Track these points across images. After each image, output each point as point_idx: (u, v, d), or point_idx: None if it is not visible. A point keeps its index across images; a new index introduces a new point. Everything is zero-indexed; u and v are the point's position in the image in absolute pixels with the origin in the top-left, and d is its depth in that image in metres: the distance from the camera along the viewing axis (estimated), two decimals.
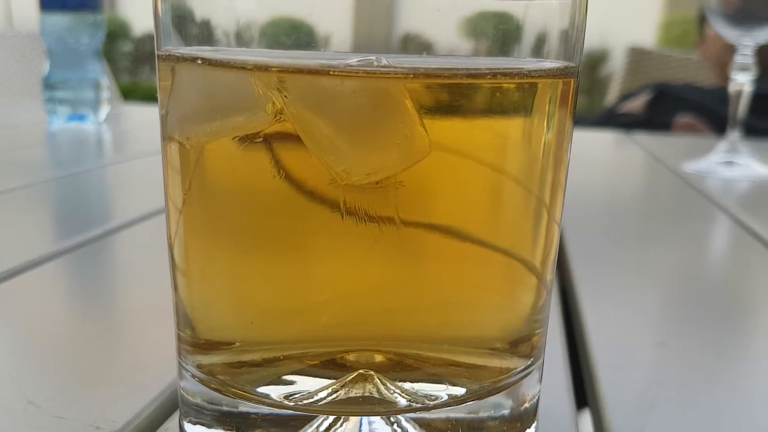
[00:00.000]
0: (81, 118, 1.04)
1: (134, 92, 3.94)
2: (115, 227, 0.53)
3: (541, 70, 0.21)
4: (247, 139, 0.20)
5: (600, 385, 0.31)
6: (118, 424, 0.26)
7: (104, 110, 1.06)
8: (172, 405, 0.28)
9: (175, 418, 0.27)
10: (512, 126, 0.21)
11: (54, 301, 0.40)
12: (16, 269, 0.42)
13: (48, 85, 1.03)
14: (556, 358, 0.33)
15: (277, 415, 0.23)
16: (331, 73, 0.19)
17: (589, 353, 0.34)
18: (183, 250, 0.23)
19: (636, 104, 1.70)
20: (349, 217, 0.21)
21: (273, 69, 0.19)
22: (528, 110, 0.21)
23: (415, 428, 0.23)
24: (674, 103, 1.58)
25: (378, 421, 0.23)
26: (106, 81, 1.06)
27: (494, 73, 0.20)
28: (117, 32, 5.59)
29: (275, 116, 0.20)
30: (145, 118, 1.24)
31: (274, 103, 0.19)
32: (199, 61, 0.20)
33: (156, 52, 0.21)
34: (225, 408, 0.23)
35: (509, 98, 0.21)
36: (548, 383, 0.29)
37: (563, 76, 0.22)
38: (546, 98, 0.22)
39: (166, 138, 0.22)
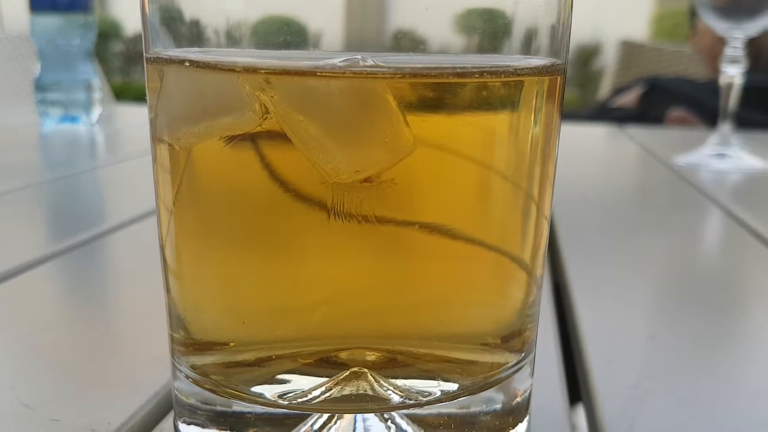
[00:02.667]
0: (73, 119, 1.03)
1: (126, 92, 3.93)
2: (108, 229, 0.53)
3: (527, 68, 0.21)
4: (237, 140, 0.21)
5: (592, 379, 0.31)
6: (113, 426, 0.26)
7: (96, 111, 1.06)
8: (166, 406, 0.28)
9: (170, 419, 0.27)
10: (500, 123, 0.21)
11: (48, 303, 0.40)
12: (10, 272, 0.42)
13: (39, 86, 1.03)
14: (549, 353, 0.33)
15: (271, 414, 0.23)
16: (316, 73, 0.19)
17: (582, 347, 0.34)
18: (174, 251, 0.23)
19: (628, 98, 1.71)
20: (339, 216, 0.21)
21: (259, 70, 0.19)
22: (515, 107, 0.21)
23: (408, 424, 0.23)
24: (666, 96, 1.58)
25: (372, 418, 0.23)
26: (97, 82, 1.06)
27: (480, 72, 0.20)
28: (108, 32, 5.57)
29: (263, 116, 0.20)
30: (138, 118, 1.23)
31: (261, 103, 0.20)
32: (187, 64, 0.20)
33: (144, 54, 0.21)
34: (219, 408, 0.23)
35: (496, 96, 0.21)
36: (541, 378, 0.29)
37: (550, 73, 0.22)
38: (533, 95, 0.22)
39: (155, 139, 0.22)
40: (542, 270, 0.25)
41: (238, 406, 0.23)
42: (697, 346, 0.35)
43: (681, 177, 0.80)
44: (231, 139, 0.21)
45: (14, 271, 0.43)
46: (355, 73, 0.19)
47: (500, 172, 0.22)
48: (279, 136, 0.20)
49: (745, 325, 0.39)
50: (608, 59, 2.35)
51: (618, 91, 1.86)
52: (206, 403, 0.24)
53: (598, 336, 0.35)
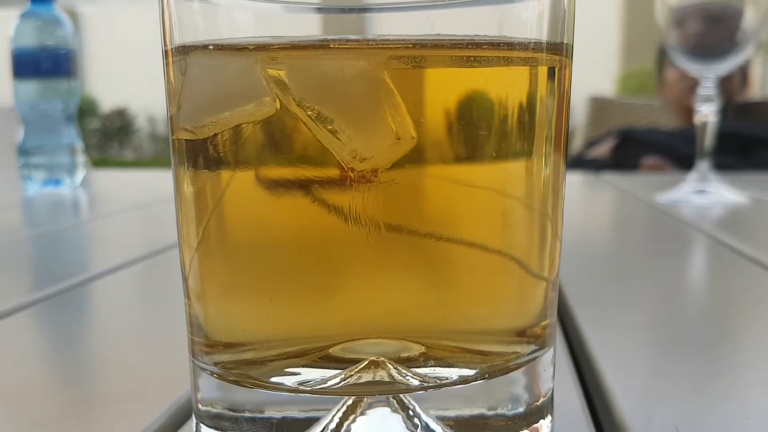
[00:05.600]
0: (56, 182, 1.03)
1: (104, 166, 3.95)
2: (102, 272, 0.53)
3: (535, 42, 0.22)
4: (254, 130, 0.21)
5: (617, 413, 0.31)
6: None
7: (80, 174, 1.06)
8: (179, 420, 0.28)
9: (186, 428, 0.27)
10: (510, 109, 0.22)
11: (49, 337, 0.39)
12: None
13: (23, 151, 1.03)
14: (567, 387, 0.32)
15: (294, 418, 0.23)
16: (330, 45, 0.20)
17: (598, 378, 0.33)
18: (197, 265, 0.24)
19: (602, 150, 1.74)
20: (360, 223, 0.21)
21: (275, 47, 0.20)
22: (524, 90, 0.22)
23: (436, 422, 0.23)
24: (640, 146, 1.62)
25: (396, 423, 0.23)
26: (81, 145, 1.07)
27: (494, 43, 0.21)
28: (84, 109, 5.62)
29: (281, 99, 0.20)
30: (121, 181, 1.24)
31: (278, 84, 0.20)
32: (211, 47, 0.20)
33: (164, 48, 0.22)
34: (248, 414, 0.23)
35: (507, 75, 0.22)
36: (563, 409, 0.29)
37: (557, 52, 0.23)
38: (542, 76, 0.22)
39: (178, 130, 0.22)
40: (556, 271, 0.26)
41: (270, 411, 0.23)
42: (698, 365, 0.35)
43: (665, 213, 0.81)
44: (250, 136, 0.21)
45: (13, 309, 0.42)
46: (370, 44, 0.20)
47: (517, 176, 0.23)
48: (296, 131, 0.21)
49: (747, 338, 0.40)
50: (576, 120, 2.41)
51: (591, 144, 1.89)
52: (233, 410, 0.23)
53: (611, 365, 0.35)
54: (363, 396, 0.22)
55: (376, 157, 0.21)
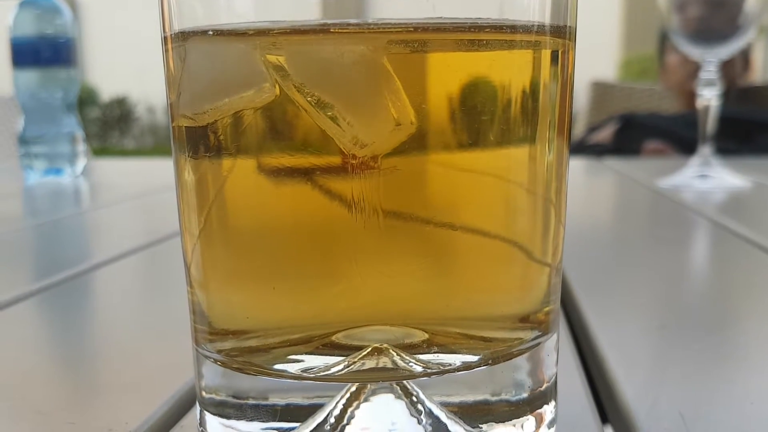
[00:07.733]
0: (57, 171, 1.03)
1: (104, 155, 3.95)
2: (104, 261, 0.53)
3: (538, 24, 0.22)
4: (255, 118, 0.21)
5: (620, 398, 0.31)
6: (131, 426, 0.26)
7: (81, 163, 1.05)
8: (185, 405, 0.28)
9: (190, 416, 0.27)
10: (512, 88, 0.22)
11: (52, 327, 0.39)
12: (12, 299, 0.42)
13: (23, 140, 1.03)
14: (570, 373, 0.32)
15: (296, 405, 0.23)
16: (330, 30, 0.20)
17: (602, 363, 0.33)
18: (198, 253, 0.24)
19: (604, 135, 1.74)
20: (361, 210, 0.21)
21: (275, 32, 0.20)
22: (526, 71, 0.22)
23: (439, 408, 0.23)
24: (641, 130, 1.61)
25: (401, 410, 0.23)
26: (81, 134, 1.06)
27: (500, 26, 0.21)
28: (84, 98, 5.62)
29: (281, 86, 0.20)
30: (123, 169, 1.23)
31: (278, 70, 0.20)
32: (210, 32, 0.20)
33: (163, 34, 0.22)
34: (252, 401, 0.23)
35: (511, 59, 0.21)
36: (566, 394, 0.29)
37: (561, 35, 0.23)
38: (547, 58, 0.22)
39: (178, 117, 0.22)
40: (560, 257, 0.25)
41: (274, 398, 0.23)
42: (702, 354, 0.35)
43: (667, 198, 0.81)
44: (250, 122, 0.21)
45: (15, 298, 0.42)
46: (370, 29, 0.20)
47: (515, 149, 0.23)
48: (296, 117, 0.21)
49: (750, 323, 0.40)
50: (578, 105, 2.39)
51: (593, 129, 1.89)
52: (237, 397, 0.23)
53: (612, 347, 0.35)
54: (366, 383, 0.22)
55: (377, 143, 0.21)
